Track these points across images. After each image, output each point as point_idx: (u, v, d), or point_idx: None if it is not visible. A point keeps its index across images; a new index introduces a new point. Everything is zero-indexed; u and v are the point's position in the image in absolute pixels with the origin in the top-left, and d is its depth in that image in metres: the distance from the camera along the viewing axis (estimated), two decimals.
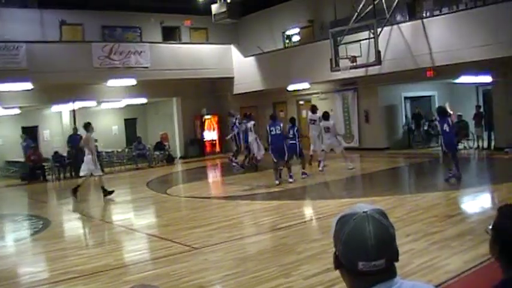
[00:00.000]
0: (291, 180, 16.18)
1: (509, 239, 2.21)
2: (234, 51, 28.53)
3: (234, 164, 20.89)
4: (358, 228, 1.84)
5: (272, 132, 16.31)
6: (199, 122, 29.47)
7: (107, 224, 12.90)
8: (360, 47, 20.37)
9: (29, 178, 23.25)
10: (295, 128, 17.27)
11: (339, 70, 21.02)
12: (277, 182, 16.06)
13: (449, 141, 14.61)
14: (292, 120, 18.04)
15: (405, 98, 25.49)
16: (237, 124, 21.20)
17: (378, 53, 19.76)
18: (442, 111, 15.09)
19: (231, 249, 8.77)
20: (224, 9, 24.24)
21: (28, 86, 22.58)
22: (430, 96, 26.33)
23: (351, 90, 25.20)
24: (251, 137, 20.33)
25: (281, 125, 16.72)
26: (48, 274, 8.26)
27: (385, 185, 15.80)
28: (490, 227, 2.32)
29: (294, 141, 17.03)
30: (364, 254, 1.81)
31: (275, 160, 16.42)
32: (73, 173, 24.35)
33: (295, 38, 29.17)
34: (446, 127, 14.40)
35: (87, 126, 16.59)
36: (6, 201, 14.30)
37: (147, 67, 25.33)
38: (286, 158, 16.40)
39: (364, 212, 1.88)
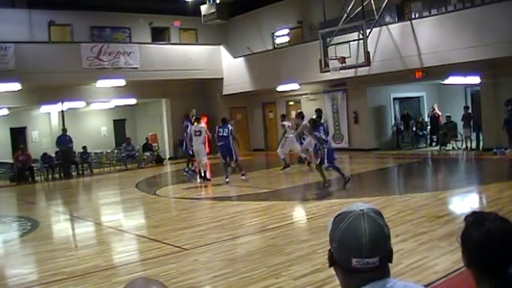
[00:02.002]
0: (227, 180, 16.90)
1: (475, 250, 2.13)
2: (223, 52, 28.54)
3: (187, 172, 20.58)
4: (353, 226, 1.86)
5: (220, 134, 17.26)
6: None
7: (96, 225, 12.85)
8: (349, 48, 20.46)
9: (17, 179, 23.15)
10: (228, 129, 17.36)
11: (328, 71, 21.08)
12: (227, 180, 16.90)
13: (332, 153, 14.58)
14: (224, 120, 18.17)
15: (394, 98, 25.59)
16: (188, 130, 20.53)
17: (367, 54, 19.84)
18: (313, 121, 15.01)
19: (221, 250, 8.77)
20: (213, 10, 24.22)
21: (16, 86, 22.48)
22: (418, 97, 26.47)
23: (340, 91, 25.27)
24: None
25: (229, 127, 17.36)
26: (37, 276, 8.23)
27: (374, 185, 15.88)
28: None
29: (224, 142, 17.27)
30: (358, 251, 1.83)
31: (223, 160, 17.43)
32: (62, 174, 24.30)
33: (285, 39, 29.19)
34: (324, 136, 14.54)
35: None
36: None
37: (136, 68, 25.29)
38: (234, 158, 17.22)
39: (360, 210, 1.90)
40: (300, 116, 18.68)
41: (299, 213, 12.51)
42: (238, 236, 10.03)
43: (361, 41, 20.06)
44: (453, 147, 22.62)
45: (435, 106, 24.32)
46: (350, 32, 20.62)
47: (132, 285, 1.74)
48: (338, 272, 1.94)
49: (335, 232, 1.90)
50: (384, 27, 20.80)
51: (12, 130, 27.65)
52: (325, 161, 14.30)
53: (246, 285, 6.74)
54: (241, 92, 27.62)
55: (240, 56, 27.95)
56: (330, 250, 1.94)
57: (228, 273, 7.34)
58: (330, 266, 1.97)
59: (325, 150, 14.29)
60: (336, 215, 1.96)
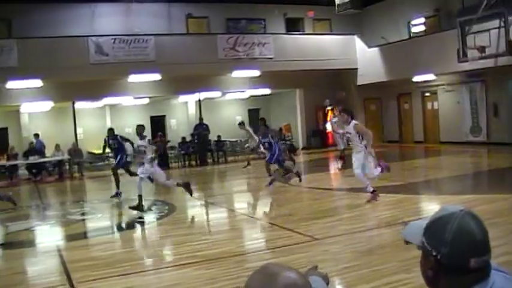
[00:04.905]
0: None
1: None
2: (357, 42, 28.25)
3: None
4: (463, 226, 1.81)
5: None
6: (321, 114, 29.40)
7: (229, 211, 13.20)
8: (489, 37, 19.63)
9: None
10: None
11: (466, 61, 20.37)
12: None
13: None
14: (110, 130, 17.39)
15: None
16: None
17: (508, 42, 18.95)
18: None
19: (352, 241, 8.73)
20: (347, 0, 24.06)
21: (156, 77, 23.55)
22: None
23: (479, 82, 24.26)
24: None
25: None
26: (172, 257, 8.59)
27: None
28: None
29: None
30: (475, 250, 1.79)
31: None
32: (198, 161, 25.12)
33: (421, 28, 28.46)
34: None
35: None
36: (133, 187, 14.92)
37: (270, 58, 25.62)
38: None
39: (460, 210, 1.85)
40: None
41: (432, 208, 12.16)
42: (369, 228, 9.94)
43: (502, 29, 19.19)
44: None
45: None
46: (490, 20, 19.76)
47: (265, 270, 1.76)
48: (441, 277, 1.85)
49: (443, 236, 1.82)
50: None
51: (152, 118, 28.91)
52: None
53: (376, 279, 6.65)
54: (375, 83, 27.26)
55: (375, 46, 27.56)
56: (435, 257, 1.85)
57: (358, 265, 7.29)
58: (433, 274, 1.88)
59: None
60: (432, 220, 1.92)
